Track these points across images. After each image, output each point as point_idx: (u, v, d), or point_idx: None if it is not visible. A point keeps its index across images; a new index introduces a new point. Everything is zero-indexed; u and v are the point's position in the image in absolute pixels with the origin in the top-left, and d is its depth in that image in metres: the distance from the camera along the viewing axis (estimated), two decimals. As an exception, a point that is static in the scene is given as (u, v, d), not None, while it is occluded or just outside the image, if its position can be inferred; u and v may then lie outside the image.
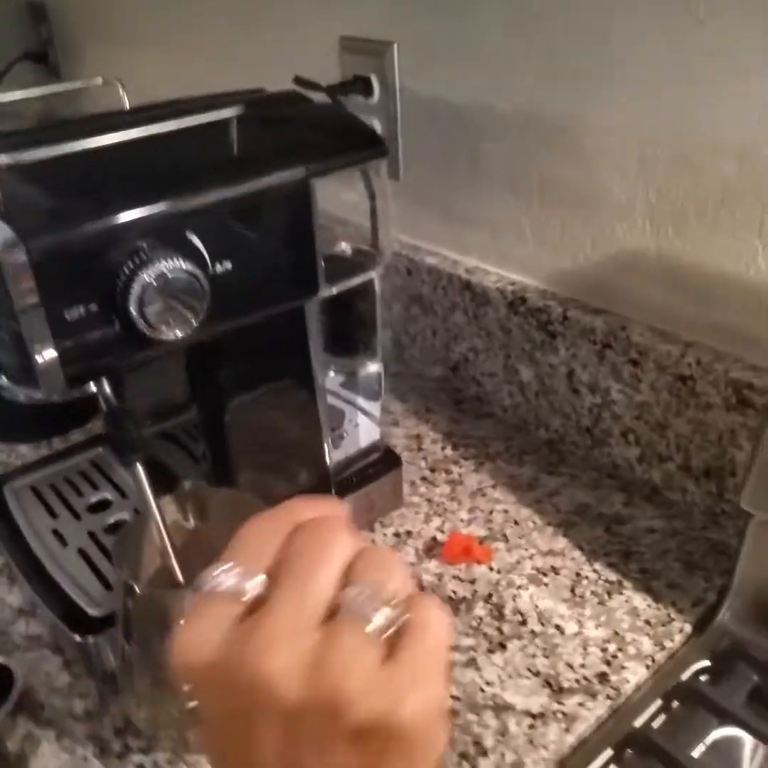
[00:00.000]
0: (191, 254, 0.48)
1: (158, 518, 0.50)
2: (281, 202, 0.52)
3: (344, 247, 0.63)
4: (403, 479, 0.74)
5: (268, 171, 0.52)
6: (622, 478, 0.74)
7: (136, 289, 0.45)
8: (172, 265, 0.46)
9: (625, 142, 0.64)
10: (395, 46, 0.80)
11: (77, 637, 0.57)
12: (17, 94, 0.62)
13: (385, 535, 0.70)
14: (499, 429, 0.83)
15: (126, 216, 0.46)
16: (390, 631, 0.27)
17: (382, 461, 0.71)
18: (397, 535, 0.70)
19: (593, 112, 0.66)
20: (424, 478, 0.76)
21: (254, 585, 0.28)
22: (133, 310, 0.46)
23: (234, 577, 0.28)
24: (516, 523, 0.71)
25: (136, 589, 0.47)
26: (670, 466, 0.70)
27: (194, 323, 0.48)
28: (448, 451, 0.80)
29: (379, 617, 0.26)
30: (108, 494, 0.70)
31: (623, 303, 0.70)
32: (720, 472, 0.66)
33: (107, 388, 0.51)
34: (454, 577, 0.65)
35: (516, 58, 0.70)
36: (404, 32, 0.79)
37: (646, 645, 0.59)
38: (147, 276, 0.45)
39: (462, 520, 0.71)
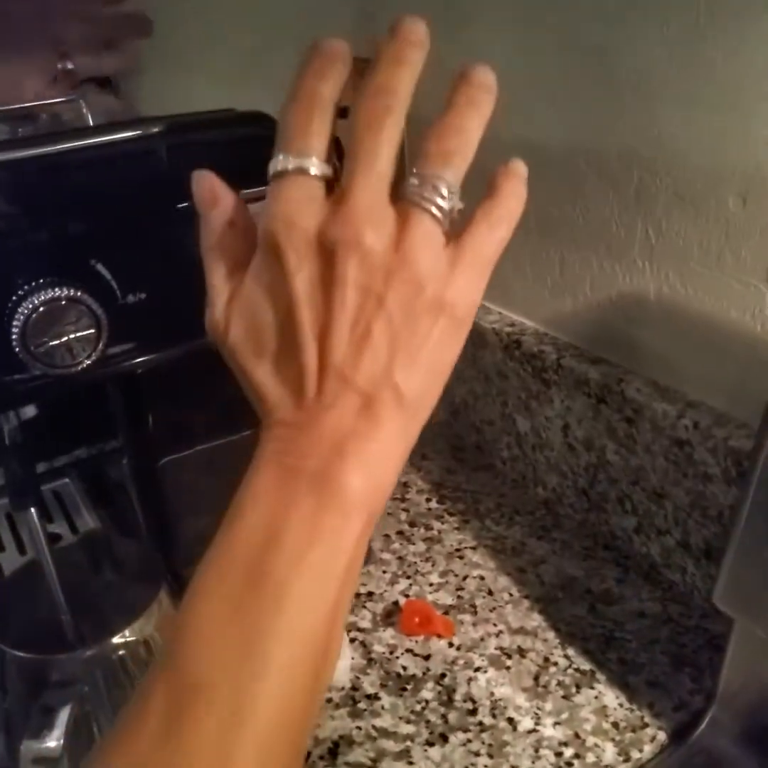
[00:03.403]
0: (95, 283, 0.44)
1: (52, 569, 0.46)
2: (207, 229, 0.48)
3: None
4: (374, 533, 0.67)
5: (191, 196, 0.47)
6: (619, 551, 0.66)
7: (20, 318, 0.42)
8: (62, 294, 0.42)
9: (623, 173, 0.57)
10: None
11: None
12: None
13: (344, 594, 0.64)
14: (495, 483, 0.75)
15: (18, 240, 0.43)
16: (451, 217, 0.29)
17: (348, 513, 0.65)
18: (356, 595, 0.64)
19: (589, 137, 0.59)
20: (400, 533, 0.70)
21: (324, 167, 0.29)
22: (16, 341, 0.42)
23: (302, 161, 0.29)
24: (490, 592, 0.63)
25: (6, 652, 0.43)
26: (668, 541, 0.61)
27: (88, 359, 0.44)
28: (434, 504, 0.73)
29: (440, 207, 0.28)
30: (60, 530, 0.66)
31: (623, 352, 0.62)
32: (722, 553, 0.56)
33: (14, 422, 0.48)
34: (408, 650, 0.58)
35: (514, 82, 0.64)
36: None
37: (609, 753, 0.50)
38: (32, 305, 0.42)
39: (431, 585, 0.64)
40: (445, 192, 0.29)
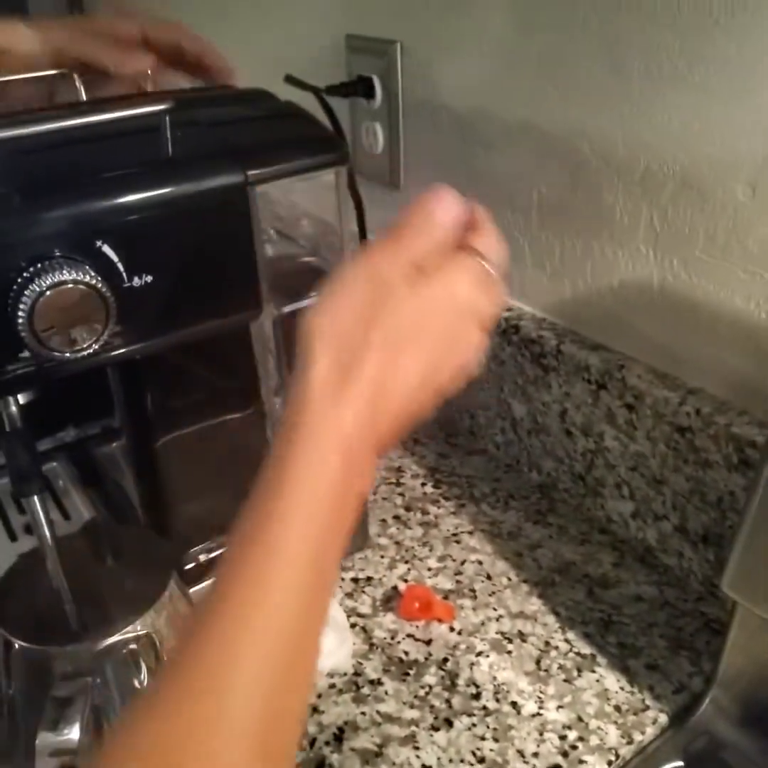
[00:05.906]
0: (101, 265, 0.43)
1: (55, 558, 0.45)
2: (215, 210, 0.47)
3: (305, 261, 0.58)
4: (371, 518, 0.67)
5: (199, 175, 0.46)
6: (615, 535, 0.66)
7: (25, 301, 0.40)
8: (70, 277, 0.41)
9: (629, 159, 0.57)
10: (398, 45, 0.74)
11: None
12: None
13: (343, 579, 0.64)
14: (489, 468, 0.75)
15: (24, 220, 0.41)
16: None
17: (346, 498, 0.65)
18: (355, 580, 0.63)
19: (594, 122, 0.58)
20: (396, 517, 0.70)
21: None
22: (21, 325, 0.41)
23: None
24: (489, 577, 0.63)
25: (14, 643, 0.42)
26: (666, 526, 0.62)
27: (95, 344, 0.43)
28: (429, 489, 0.73)
29: None
30: (52, 515, 0.65)
31: (623, 338, 0.62)
32: (719, 538, 0.57)
33: (13, 407, 0.47)
34: (409, 635, 0.59)
35: (518, 63, 0.63)
36: (410, 30, 0.72)
37: (612, 736, 0.51)
38: (38, 288, 0.40)
39: (429, 569, 0.64)
40: None
